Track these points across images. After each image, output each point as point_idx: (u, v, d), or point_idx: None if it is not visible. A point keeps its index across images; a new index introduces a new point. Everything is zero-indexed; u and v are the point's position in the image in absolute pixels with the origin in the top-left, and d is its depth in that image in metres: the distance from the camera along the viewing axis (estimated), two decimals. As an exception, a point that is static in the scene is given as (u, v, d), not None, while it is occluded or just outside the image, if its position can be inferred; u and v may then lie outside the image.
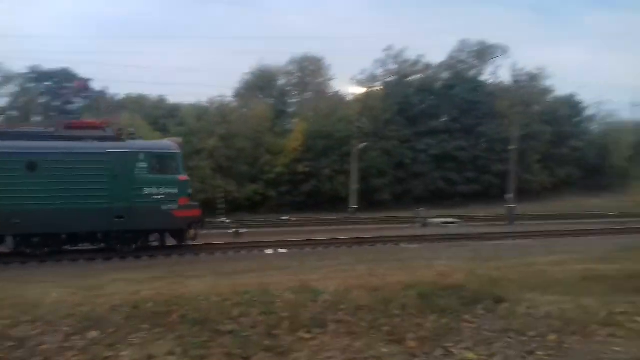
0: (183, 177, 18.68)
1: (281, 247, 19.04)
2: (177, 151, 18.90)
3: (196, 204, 19.28)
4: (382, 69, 51.66)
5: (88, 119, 23.33)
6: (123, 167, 17.49)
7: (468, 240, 22.04)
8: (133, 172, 17.60)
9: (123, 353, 4.67)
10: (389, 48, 50.88)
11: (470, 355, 4.74)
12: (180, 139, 21.40)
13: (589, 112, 55.09)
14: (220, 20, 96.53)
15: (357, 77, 51.37)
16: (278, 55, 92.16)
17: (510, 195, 31.50)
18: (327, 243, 20.33)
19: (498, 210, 33.51)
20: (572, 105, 52.38)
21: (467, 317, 5.91)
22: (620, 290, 9.58)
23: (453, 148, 46.40)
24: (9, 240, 16.96)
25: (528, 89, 49.14)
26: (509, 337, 5.27)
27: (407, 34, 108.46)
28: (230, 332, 5.07)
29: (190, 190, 19.01)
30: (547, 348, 4.91)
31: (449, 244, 20.95)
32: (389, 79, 51.05)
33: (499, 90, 49.28)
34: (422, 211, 29.81)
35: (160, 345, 4.80)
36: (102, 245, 17.85)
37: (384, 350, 4.85)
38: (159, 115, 42.70)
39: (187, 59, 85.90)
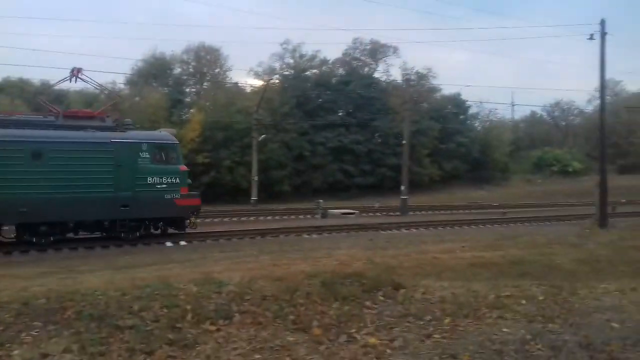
0: (183, 167, 19.25)
1: (181, 240, 18.50)
2: (177, 142, 19.61)
3: (196, 193, 20.11)
4: (280, 62, 51.95)
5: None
6: (127, 157, 17.76)
7: (366, 230, 22.74)
8: (136, 162, 17.92)
9: (14, 352, 4.31)
10: (286, 42, 51.12)
11: (373, 340, 4.89)
12: (174, 130, 21.96)
13: (472, 111, 58.95)
14: (115, 3, 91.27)
15: (255, 70, 51.11)
16: (174, 44, 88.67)
17: (403, 187, 32.90)
18: (229, 234, 20.09)
19: (392, 201, 34.89)
20: (457, 104, 55.61)
21: (368, 303, 6.09)
22: (505, 275, 10.40)
23: (349, 141, 47.65)
24: (9, 229, 17.02)
25: (417, 88, 51.53)
26: (408, 322, 5.50)
27: (306, 29, 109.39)
28: (131, 327, 4.85)
29: (189, 180, 19.52)
30: (443, 331, 5.17)
31: (348, 234, 21.53)
32: (286, 73, 51.38)
33: (391, 88, 51.19)
34: (321, 202, 30.31)
35: (55, 343, 4.48)
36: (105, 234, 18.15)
37: (290, 338, 4.88)
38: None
39: (79, 42, 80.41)
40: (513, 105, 72.09)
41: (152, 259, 13.52)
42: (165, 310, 5.29)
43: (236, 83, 49.97)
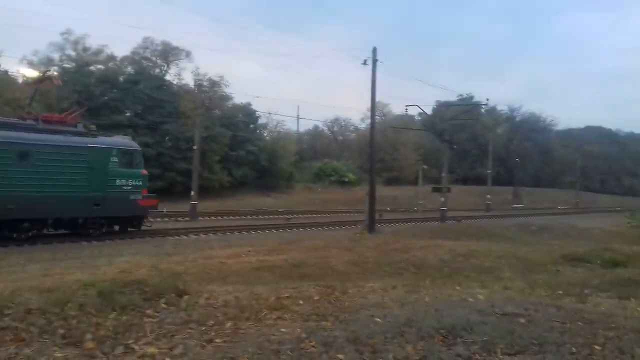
0: (144, 171, 21.98)
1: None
2: (140, 149, 22.52)
3: (154, 194, 22.82)
4: (60, 53, 47.28)
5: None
6: (99, 161, 19.86)
7: (152, 236, 21.86)
8: (107, 166, 20.07)
9: None
10: (67, 32, 46.74)
11: (152, 349, 4.71)
12: (129, 137, 24.32)
13: (262, 121, 60.88)
14: None
15: (29, 58, 45.58)
16: None
17: (193, 193, 32.41)
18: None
19: (182, 206, 34.18)
20: (248, 113, 56.81)
21: (149, 312, 5.85)
22: (287, 278, 10.92)
23: (138, 144, 45.15)
24: None
25: (210, 94, 51.48)
26: (190, 328, 5.42)
27: (93, 21, 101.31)
28: None
29: (147, 183, 22.15)
30: (224, 335, 5.20)
31: (132, 240, 20.45)
32: (67, 65, 46.85)
33: (182, 92, 50.22)
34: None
35: None
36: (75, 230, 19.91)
37: (58, 354, 4.44)
38: None
39: None
40: (298, 119, 76.28)
41: None
42: None
43: (6, 72, 43.90)
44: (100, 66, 48.95)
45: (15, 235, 18.01)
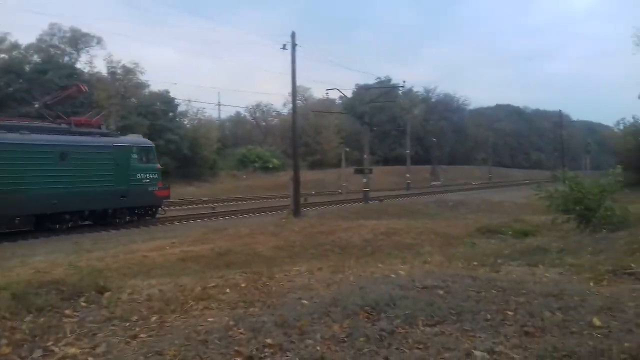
0: (159, 166, 25.20)
1: None
2: (153, 145, 25.37)
3: (167, 185, 26.14)
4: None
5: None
6: (123, 158, 22.61)
7: (68, 233, 20.91)
8: (129, 162, 22.90)
9: None
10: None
11: (73, 350, 4.55)
12: (140, 135, 27.52)
13: (181, 109, 59.27)
14: None
15: None
16: None
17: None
18: None
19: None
20: (166, 101, 55.16)
21: (68, 312, 5.63)
22: (213, 267, 10.83)
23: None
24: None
25: (124, 82, 49.42)
26: (113, 325, 5.27)
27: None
28: None
29: (161, 176, 25.16)
30: (149, 329, 5.10)
31: (47, 239, 19.48)
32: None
33: (95, 80, 47.92)
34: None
35: None
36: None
37: (-30, 364, 4.21)
38: None
39: None
40: (220, 105, 75.07)
41: None
42: None
43: None
44: (3, 55, 45.70)
45: (57, 226, 20.75)
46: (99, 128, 23.53)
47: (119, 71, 49.91)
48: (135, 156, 23.37)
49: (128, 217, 23.67)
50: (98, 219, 22.65)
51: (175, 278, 7.93)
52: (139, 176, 23.40)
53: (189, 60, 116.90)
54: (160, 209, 25.41)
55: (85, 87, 26.49)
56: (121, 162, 22.63)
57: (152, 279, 7.91)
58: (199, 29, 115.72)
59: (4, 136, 19.02)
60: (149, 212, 25.06)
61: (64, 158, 20.45)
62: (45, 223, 20.46)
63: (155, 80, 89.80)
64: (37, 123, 21.86)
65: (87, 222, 22.53)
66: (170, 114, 56.46)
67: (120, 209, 23.12)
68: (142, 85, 52.77)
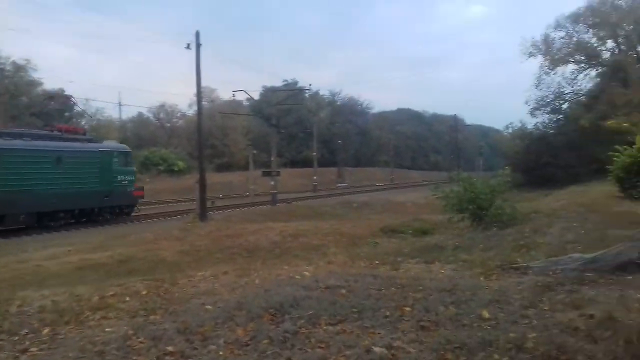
0: (134, 169, 29.22)
1: None
2: (130, 150, 28.64)
3: (142, 186, 29.62)
4: None
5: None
6: (106, 161, 25.78)
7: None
8: (112, 165, 25.99)
9: None
10: None
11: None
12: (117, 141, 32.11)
13: (78, 109, 55.98)
14: None
15: None
16: None
17: None
18: None
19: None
20: (62, 100, 51.97)
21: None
22: (113, 275, 10.38)
23: None
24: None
25: (14, 79, 45.98)
26: (1, 340, 4.96)
27: None
28: None
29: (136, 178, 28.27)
30: (41, 342, 4.85)
31: None
32: None
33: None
34: None
35: None
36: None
37: None
38: None
39: None
40: (120, 105, 71.63)
41: None
42: None
43: None
44: None
45: (53, 223, 23.06)
46: (84, 134, 26.92)
47: (7, 68, 46.32)
48: (116, 160, 26.24)
49: (109, 216, 26.18)
50: (83, 217, 25.21)
51: (71, 288, 7.55)
52: (119, 178, 26.13)
53: (86, 57, 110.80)
54: (135, 207, 28.08)
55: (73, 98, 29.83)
56: (105, 166, 25.47)
57: (45, 290, 7.48)
58: (96, 24, 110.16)
59: (13, 142, 21.70)
60: (126, 210, 27.46)
61: (60, 162, 23.12)
62: (44, 220, 22.96)
63: (50, 78, 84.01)
64: (34, 130, 25.16)
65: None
66: (67, 114, 53.23)
67: (104, 207, 25.83)
68: (35, 83, 49.36)
